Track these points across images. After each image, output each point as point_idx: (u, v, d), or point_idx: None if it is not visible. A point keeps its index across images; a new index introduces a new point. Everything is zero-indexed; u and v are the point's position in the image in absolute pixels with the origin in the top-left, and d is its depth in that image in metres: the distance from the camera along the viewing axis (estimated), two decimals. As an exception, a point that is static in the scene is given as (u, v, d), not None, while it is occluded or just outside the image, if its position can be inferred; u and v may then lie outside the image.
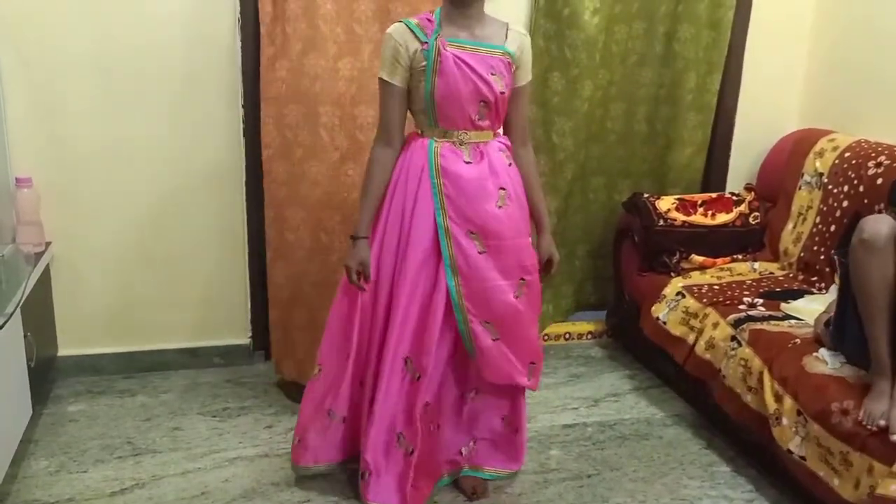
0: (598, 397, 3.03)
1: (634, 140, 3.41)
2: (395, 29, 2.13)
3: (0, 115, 2.70)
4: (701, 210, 3.21)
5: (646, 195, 3.23)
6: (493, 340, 2.20)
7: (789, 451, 2.22)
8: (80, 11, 2.73)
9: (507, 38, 2.17)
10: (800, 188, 3.16)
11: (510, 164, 2.22)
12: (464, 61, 2.09)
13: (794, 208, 3.17)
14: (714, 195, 3.29)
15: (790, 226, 3.17)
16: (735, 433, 2.64)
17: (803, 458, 2.17)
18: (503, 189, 2.16)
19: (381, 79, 2.15)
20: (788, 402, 2.26)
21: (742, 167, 3.52)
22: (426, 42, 2.08)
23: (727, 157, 3.50)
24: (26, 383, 2.46)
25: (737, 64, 3.36)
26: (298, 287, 2.86)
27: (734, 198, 3.30)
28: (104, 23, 2.76)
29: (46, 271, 2.83)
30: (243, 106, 2.90)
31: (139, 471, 2.44)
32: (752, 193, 3.34)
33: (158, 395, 2.93)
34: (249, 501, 2.31)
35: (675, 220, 3.16)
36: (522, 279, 2.21)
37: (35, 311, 2.61)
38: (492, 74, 2.11)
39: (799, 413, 2.21)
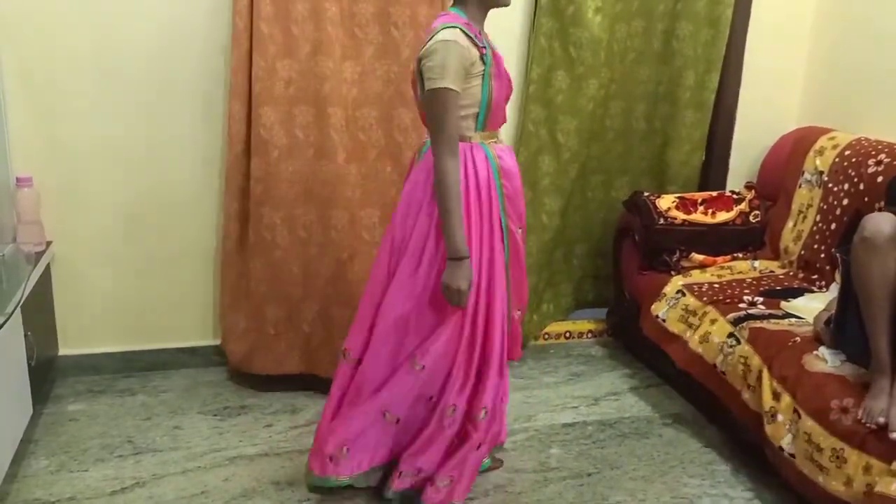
0: (598, 396, 3.03)
1: (633, 138, 3.40)
2: (458, 35, 2.01)
3: (1, 114, 2.70)
4: (701, 208, 3.21)
5: (646, 194, 3.22)
6: (518, 314, 2.40)
7: (780, 449, 2.22)
8: (80, 11, 2.73)
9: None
10: (800, 186, 3.16)
11: None
12: (500, 63, 2.16)
13: (795, 206, 3.16)
14: (714, 194, 3.29)
15: (790, 224, 3.16)
16: (735, 431, 2.64)
17: (793, 455, 2.18)
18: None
19: (444, 88, 2.00)
20: (786, 399, 2.26)
21: (742, 165, 3.52)
22: (483, 47, 2.08)
23: (727, 155, 3.49)
24: (27, 383, 2.46)
25: (737, 62, 3.36)
26: (275, 284, 2.90)
27: (734, 196, 3.29)
28: (104, 23, 2.76)
29: (47, 271, 2.83)
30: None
31: (139, 470, 2.45)
32: (753, 192, 3.34)
33: (158, 395, 2.93)
34: (249, 500, 2.31)
35: (676, 218, 3.16)
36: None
37: (35, 310, 2.61)
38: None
39: (794, 411, 2.21)
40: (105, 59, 2.79)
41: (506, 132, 3.16)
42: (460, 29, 2.03)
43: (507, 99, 2.22)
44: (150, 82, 2.84)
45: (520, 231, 2.29)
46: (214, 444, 2.60)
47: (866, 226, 2.05)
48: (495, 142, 2.22)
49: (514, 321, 2.37)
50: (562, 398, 3.00)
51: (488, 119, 2.16)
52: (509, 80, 2.20)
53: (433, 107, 2.03)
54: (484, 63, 2.07)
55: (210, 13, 2.83)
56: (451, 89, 2.01)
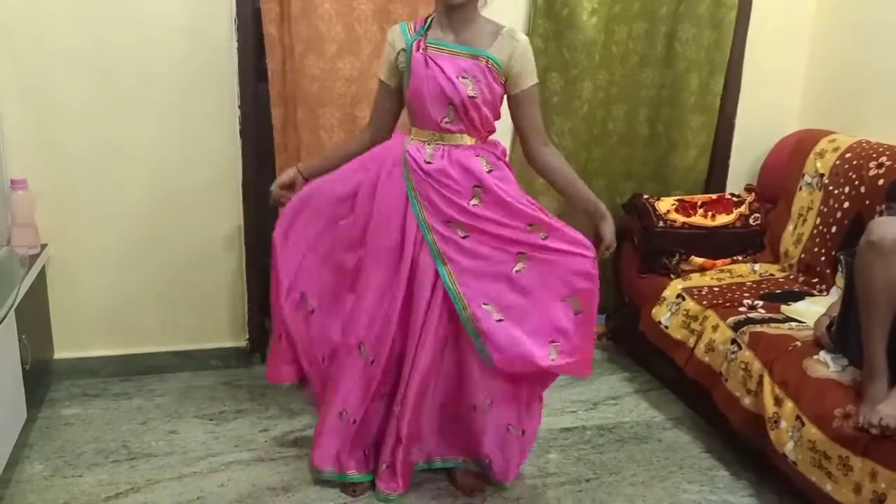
0: (597, 400, 3.01)
1: (636, 142, 3.39)
2: (392, 31, 2.24)
3: (-5, 116, 2.69)
4: (701, 211, 3.19)
5: (645, 196, 3.20)
6: (497, 322, 2.17)
7: (784, 456, 2.20)
8: (75, 12, 2.71)
9: (494, 42, 2.15)
10: (800, 189, 3.14)
11: (490, 171, 2.19)
12: (435, 62, 2.13)
13: (795, 209, 3.14)
14: (714, 196, 3.27)
15: (791, 227, 3.15)
16: (735, 437, 2.62)
17: (795, 462, 2.16)
18: (478, 186, 2.17)
19: (378, 76, 2.28)
20: (789, 405, 2.24)
21: (742, 168, 3.51)
22: (407, 43, 2.17)
23: (727, 157, 3.48)
24: (21, 386, 2.44)
25: (737, 64, 3.34)
26: None
27: (734, 199, 3.28)
28: (99, 23, 2.74)
29: (42, 273, 2.81)
30: (240, 107, 2.88)
31: (134, 475, 2.42)
32: (753, 194, 3.32)
33: (154, 399, 2.91)
34: (245, 506, 2.30)
35: (675, 221, 3.14)
36: (522, 253, 2.18)
37: (30, 313, 2.59)
38: (461, 78, 2.12)
39: (797, 417, 2.19)
40: (101, 60, 2.77)
41: (502, 132, 3.15)
42: (401, 25, 2.23)
43: (441, 102, 2.13)
44: (147, 84, 2.82)
45: (453, 226, 2.16)
46: (210, 449, 2.58)
47: (873, 230, 2.03)
48: (423, 141, 2.18)
49: (478, 318, 2.16)
50: (560, 402, 2.98)
51: (415, 115, 2.21)
52: (436, 83, 2.11)
53: None
54: (406, 58, 2.17)
55: (209, 13, 2.81)
56: (379, 77, 2.28)
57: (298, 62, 2.76)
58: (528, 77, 2.20)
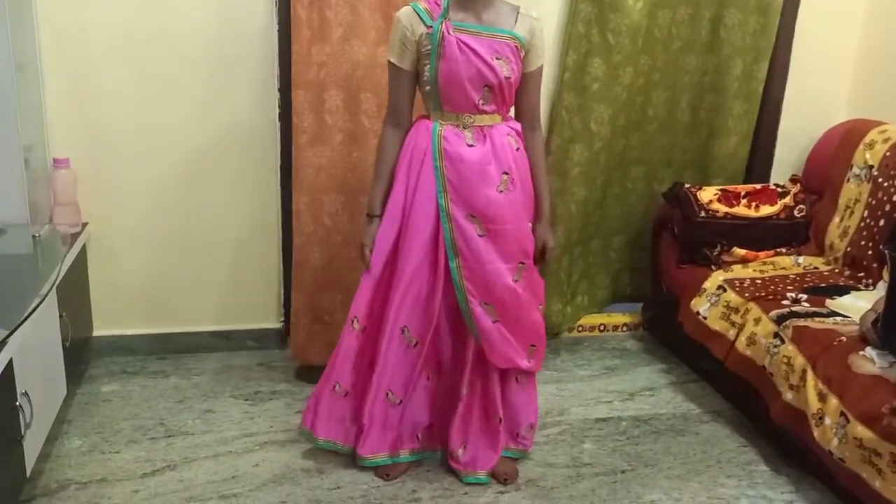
0: (633, 391, 2.98)
1: (677, 129, 3.32)
2: (404, 13, 2.17)
3: (39, 96, 2.71)
4: (744, 202, 3.12)
5: (687, 185, 3.14)
6: (494, 322, 2.24)
7: (830, 453, 2.15)
8: (118, -6, 2.73)
9: (516, 22, 2.17)
10: (848, 180, 3.06)
11: (518, 149, 2.24)
12: (468, 45, 2.11)
13: (842, 201, 3.06)
14: (758, 186, 3.20)
15: (837, 219, 3.07)
16: (775, 431, 2.56)
17: (842, 459, 2.10)
18: (506, 173, 2.20)
19: (389, 62, 2.21)
20: (833, 402, 2.18)
21: (788, 158, 3.42)
22: (431, 26, 2.12)
23: (772, 147, 3.40)
24: (61, 363, 2.48)
25: (785, 51, 3.26)
26: (327, 272, 2.85)
27: (779, 189, 3.20)
28: (140, 7, 2.75)
29: (83, 252, 2.85)
30: (279, 90, 2.88)
31: (170, 452, 2.45)
32: (798, 185, 3.24)
33: (191, 378, 2.94)
34: (279, 486, 2.31)
35: (717, 211, 3.08)
36: (522, 263, 2.25)
37: (71, 291, 2.63)
38: (496, 59, 2.13)
39: (842, 414, 2.14)
40: (142, 43, 2.78)
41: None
42: (413, 6, 2.15)
43: (478, 84, 2.13)
44: (187, 66, 2.84)
45: (474, 221, 2.18)
46: (245, 429, 2.60)
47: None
48: (458, 125, 2.18)
49: (478, 316, 2.23)
50: (595, 392, 2.95)
51: (444, 99, 2.17)
52: (474, 64, 2.11)
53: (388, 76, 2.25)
54: (431, 42, 2.11)
55: (247, -5, 2.81)
56: (391, 62, 2.20)
57: (338, 46, 2.73)
58: (541, 56, 2.25)
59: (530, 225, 2.30)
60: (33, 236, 2.47)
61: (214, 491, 2.27)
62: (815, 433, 2.22)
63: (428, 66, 2.14)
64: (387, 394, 2.32)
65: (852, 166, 3.05)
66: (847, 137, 3.14)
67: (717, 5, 3.15)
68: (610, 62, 3.04)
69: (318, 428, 2.37)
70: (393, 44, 2.18)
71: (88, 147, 2.82)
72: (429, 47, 2.13)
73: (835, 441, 2.14)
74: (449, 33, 2.10)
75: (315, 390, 2.39)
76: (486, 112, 2.18)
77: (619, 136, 3.20)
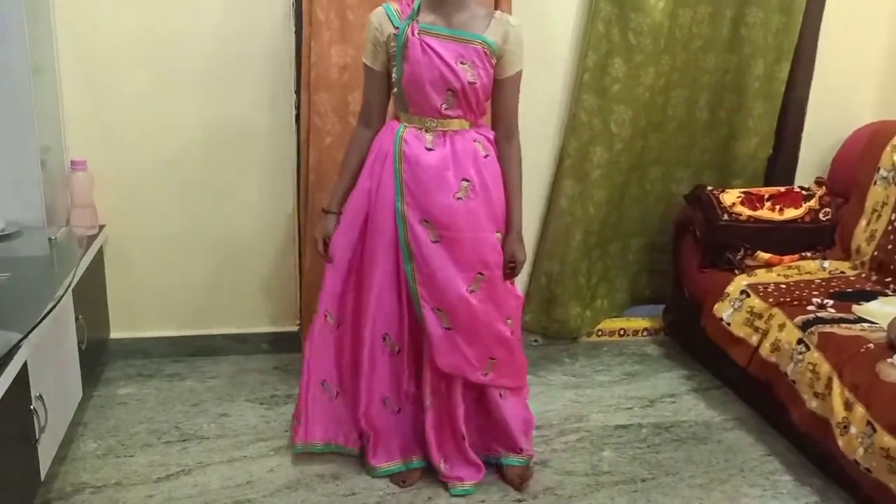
0: (653, 397, 2.92)
1: (696, 129, 3.27)
2: (375, 13, 2.16)
3: (56, 98, 2.71)
4: (768, 205, 3.06)
5: (709, 188, 3.09)
6: (445, 329, 2.20)
7: (856, 462, 2.09)
8: (135, -3, 2.73)
9: (489, 27, 2.12)
10: (875, 183, 2.99)
11: (487, 157, 2.19)
12: (431, 48, 2.08)
13: (869, 204, 3.00)
14: (782, 189, 3.14)
15: (863, 223, 3.00)
16: (799, 439, 2.51)
17: (869, 469, 2.05)
18: (466, 180, 2.14)
19: (363, 62, 2.21)
20: (859, 410, 2.13)
21: (812, 160, 3.36)
22: (398, 27, 2.10)
23: (797, 149, 3.33)
24: (77, 366, 2.47)
25: (810, 50, 3.19)
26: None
27: (804, 192, 3.14)
28: (156, 8, 2.75)
29: (100, 254, 2.85)
30: (296, 91, 2.86)
31: (185, 457, 2.44)
32: (823, 188, 3.17)
33: (207, 381, 2.93)
34: (294, 492, 2.28)
35: (741, 214, 3.02)
36: (480, 273, 2.18)
37: (87, 293, 2.62)
38: (461, 63, 2.09)
39: (868, 423, 2.08)
40: (158, 44, 2.78)
41: (556, 122, 3.08)
42: (384, 7, 2.15)
43: (440, 88, 2.09)
44: (204, 67, 2.83)
45: (427, 226, 2.15)
46: (261, 434, 2.58)
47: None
48: (419, 128, 2.15)
49: (430, 321, 2.19)
50: (615, 398, 2.90)
51: (407, 101, 2.15)
52: (436, 68, 2.07)
53: None
54: (397, 43, 2.10)
55: (267, -4, 2.80)
56: (364, 62, 2.20)
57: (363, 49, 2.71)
58: (517, 62, 2.18)
59: (497, 236, 2.21)
60: (49, 239, 2.47)
61: (229, 496, 2.25)
62: (840, 442, 2.16)
63: (395, 68, 2.13)
64: (384, 401, 2.31)
65: (879, 168, 2.98)
66: (874, 139, 3.08)
67: (738, 4, 3.10)
68: (631, 62, 3.00)
69: (316, 433, 2.36)
70: (366, 44, 2.18)
71: (105, 149, 2.82)
72: (395, 48, 2.11)
73: (860, 450, 2.09)
74: (413, 35, 2.08)
75: (299, 398, 2.37)
76: (450, 116, 2.14)
77: (639, 137, 3.15)
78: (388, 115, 2.32)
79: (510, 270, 2.26)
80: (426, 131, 2.15)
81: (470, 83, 2.10)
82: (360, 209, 2.22)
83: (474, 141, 2.18)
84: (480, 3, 2.18)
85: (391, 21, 2.12)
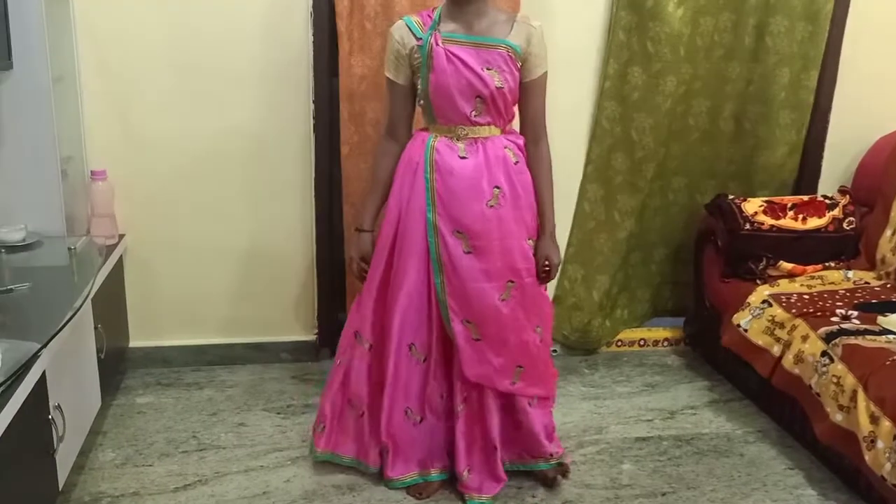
0: (674, 409, 2.89)
1: (720, 139, 3.23)
2: (396, 27, 2.16)
3: (77, 107, 2.73)
4: (791, 214, 3.02)
5: (731, 197, 3.05)
6: (475, 340, 2.19)
7: (883, 478, 2.05)
8: (154, 7, 2.74)
9: (511, 30, 2.12)
10: (900, 192, 2.94)
11: (517, 163, 2.19)
12: (457, 56, 2.07)
13: (894, 214, 2.95)
14: (805, 198, 3.09)
15: (888, 232, 2.95)
16: (823, 453, 2.46)
17: (896, 486, 2.01)
18: (498, 188, 2.14)
19: (386, 76, 2.20)
20: (886, 424, 2.08)
21: (836, 169, 3.31)
22: (421, 38, 2.09)
23: (820, 157, 3.29)
24: (96, 375, 2.48)
25: (833, 59, 3.15)
26: None
27: (827, 201, 3.09)
28: (178, 18, 2.77)
29: (119, 263, 2.86)
30: (314, 101, 2.86)
31: (203, 466, 2.43)
32: (847, 197, 3.12)
33: (225, 390, 2.93)
34: (310, 503, 2.27)
35: (763, 223, 2.98)
36: (511, 281, 2.18)
37: (107, 303, 2.63)
38: (487, 69, 2.08)
39: (895, 438, 2.03)
40: (179, 54, 2.79)
41: (580, 128, 3.06)
42: (404, 19, 2.15)
43: (469, 95, 2.09)
44: (223, 77, 2.84)
45: (460, 237, 2.14)
46: (277, 444, 2.57)
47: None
48: (451, 137, 2.14)
49: (458, 333, 2.18)
50: (635, 410, 2.87)
51: (436, 111, 2.14)
52: (463, 76, 2.07)
53: None
54: (421, 55, 2.09)
55: (286, 7, 2.80)
56: (387, 77, 2.20)
57: (379, 58, 2.71)
58: (542, 64, 2.18)
59: (528, 242, 2.21)
60: (69, 248, 2.49)
61: (245, 507, 2.25)
62: (867, 457, 2.12)
63: (420, 79, 2.12)
64: (405, 411, 2.28)
65: (905, 177, 2.94)
66: (899, 147, 3.03)
67: (762, 12, 3.06)
68: (650, 71, 2.98)
69: (342, 445, 2.36)
70: (388, 58, 2.18)
71: (125, 158, 2.84)
72: (419, 60, 2.10)
73: (888, 466, 2.05)
74: (437, 44, 2.07)
75: (327, 408, 2.36)
76: (479, 124, 2.14)
77: (660, 146, 3.13)
78: (414, 126, 2.31)
79: (545, 274, 2.25)
80: (457, 140, 2.15)
81: (498, 88, 2.10)
82: (391, 225, 2.21)
83: (505, 147, 2.17)
84: (500, 7, 2.17)
85: (413, 33, 2.12)
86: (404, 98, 2.21)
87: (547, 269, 2.25)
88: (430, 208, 2.14)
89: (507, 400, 2.29)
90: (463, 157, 2.13)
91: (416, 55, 2.11)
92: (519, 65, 2.13)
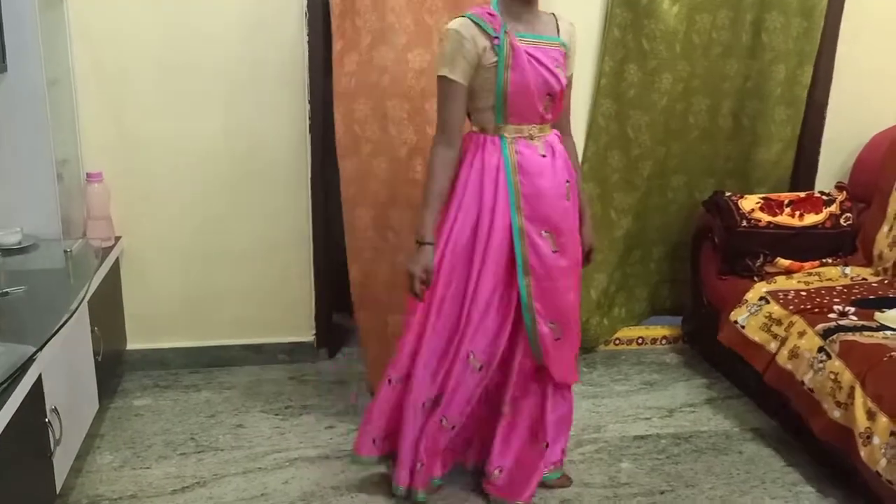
0: (672, 407, 2.88)
1: (718, 136, 3.23)
2: (462, 25, 2.04)
3: (72, 110, 2.73)
4: (788, 210, 3.02)
5: (728, 194, 3.05)
6: (556, 340, 2.20)
7: (878, 474, 2.05)
8: (152, 6, 2.74)
9: (559, 29, 2.16)
10: (897, 188, 2.94)
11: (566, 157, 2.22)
12: (533, 55, 2.07)
13: (891, 209, 2.94)
14: (802, 195, 3.09)
15: (885, 228, 2.95)
16: (821, 450, 2.46)
17: (891, 482, 2.01)
18: (568, 182, 2.17)
19: (442, 76, 2.06)
20: (883, 420, 2.08)
21: (833, 165, 3.31)
22: (496, 37, 2.03)
23: (817, 154, 3.29)
24: (93, 378, 2.48)
25: (829, 54, 3.16)
26: (367, 288, 2.79)
27: (824, 197, 3.09)
28: (172, 19, 2.76)
29: (116, 266, 2.86)
30: (310, 101, 2.86)
31: (201, 469, 2.43)
32: (844, 193, 3.12)
33: (222, 392, 2.93)
34: (308, 505, 2.28)
35: (760, 220, 2.98)
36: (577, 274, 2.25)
37: (103, 305, 2.63)
38: (557, 67, 2.10)
39: (892, 434, 2.03)
40: (174, 55, 2.79)
41: (576, 126, 3.05)
42: (469, 17, 2.03)
43: (543, 93, 2.08)
44: (219, 78, 2.84)
45: (548, 237, 2.12)
46: (276, 445, 2.57)
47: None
48: (523, 136, 2.11)
49: (544, 336, 2.17)
50: (633, 408, 2.87)
51: (509, 112, 2.08)
52: (540, 74, 2.06)
53: (437, 94, 2.10)
54: (497, 54, 2.03)
55: (280, 7, 2.80)
56: (447, 78, 2.05)
57: (367, 54, 2.70)
58: (575, 59, 2.23)
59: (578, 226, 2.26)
60: (65, 251, 2.48)
61: (244, 508, 2.25)
62: (863, 453, 2.12)
63: (493, 79, 2.04)
64: (441, 420, 2.20)
65: (902, 173, 2.93)
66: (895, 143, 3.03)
67: (758, 8, 3.06)
68: (645, 68, 2.98)
69: (436, 468, 2.27)
70: (446, 57, 2.04)
71: (121, 160, 2.83)
72: (494, 60, 2.03)
73: (883, 462, 2.05)
74: (517, 43, 2.05)
75: (375, 410, 2.27)
76: (546, 121, 2.15)
77: (659, 145, 3.13)
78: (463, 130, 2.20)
79: (587, 261, 2.31)
80: (531, 139, 2.13)
81: (564, 86, 2.15)
82: (464, 235, 2.13)
83: (561, 142, 2.20)
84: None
85: (485, 32, 2.02)
86: (462, 100, 2.09)
87: (589, 253, 2.31)
88: (514, 211, 2.10)
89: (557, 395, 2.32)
90: (543, 156, 2.13)
91: (490, 54, 2.03)
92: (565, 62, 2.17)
